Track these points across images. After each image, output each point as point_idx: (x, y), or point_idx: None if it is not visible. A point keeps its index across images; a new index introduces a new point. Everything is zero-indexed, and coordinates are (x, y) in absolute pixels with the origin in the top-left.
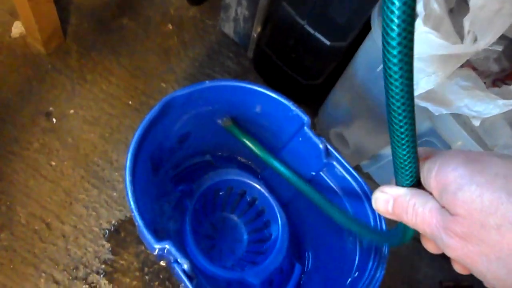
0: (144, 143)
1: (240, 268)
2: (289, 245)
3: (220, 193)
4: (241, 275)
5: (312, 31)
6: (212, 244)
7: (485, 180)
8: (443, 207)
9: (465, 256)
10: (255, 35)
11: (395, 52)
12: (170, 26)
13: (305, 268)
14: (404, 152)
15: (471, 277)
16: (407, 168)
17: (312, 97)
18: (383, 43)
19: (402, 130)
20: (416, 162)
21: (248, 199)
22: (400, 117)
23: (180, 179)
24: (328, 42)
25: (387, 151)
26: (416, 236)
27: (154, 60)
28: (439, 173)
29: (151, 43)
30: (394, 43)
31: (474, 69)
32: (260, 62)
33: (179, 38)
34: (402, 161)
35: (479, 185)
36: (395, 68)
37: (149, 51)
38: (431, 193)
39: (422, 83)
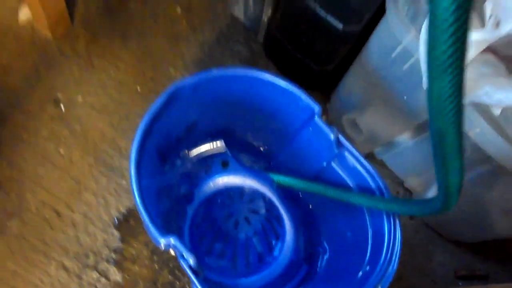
0: (150, 134)
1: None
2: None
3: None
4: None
5: (324, 14)
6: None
7: None
8: None
9: None
10: (265, 19)
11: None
12: (178, 10)
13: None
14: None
15: (485, 266)
16: None
17: (324, 83)
18: None
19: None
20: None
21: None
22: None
23: (187, 174)
24: (340, 26)
25: (401, 138)
26: (429, 224)
27: (163, 45)
28: None
29: (159, 28)
30: None
31: (496, 54)
32: (271, 47)
33: (188, 22)
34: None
35: None
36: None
37: (158, 35)
38: None
39: None
